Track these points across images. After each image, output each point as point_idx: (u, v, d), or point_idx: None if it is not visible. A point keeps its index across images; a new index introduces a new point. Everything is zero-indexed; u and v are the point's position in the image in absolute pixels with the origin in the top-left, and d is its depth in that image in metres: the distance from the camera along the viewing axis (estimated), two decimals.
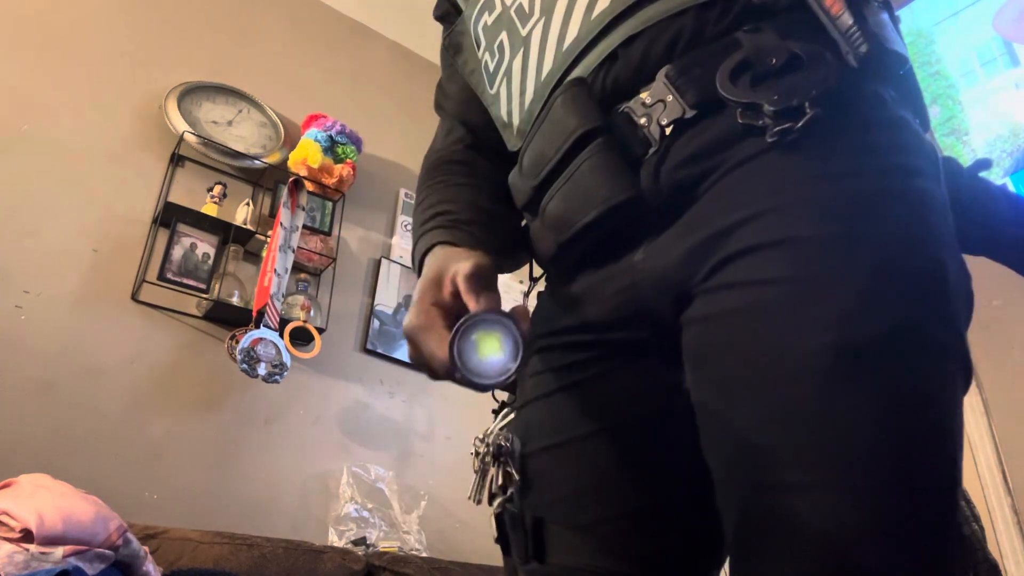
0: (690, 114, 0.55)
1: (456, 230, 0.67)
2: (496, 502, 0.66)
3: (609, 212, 0.57)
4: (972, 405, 2.11)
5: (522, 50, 0.68)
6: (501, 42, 0.71)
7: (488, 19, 0.73)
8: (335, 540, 1.97)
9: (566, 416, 0.64)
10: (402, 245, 2.64)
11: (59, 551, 1.15)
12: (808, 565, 0.45)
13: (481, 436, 0.69)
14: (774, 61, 0.52)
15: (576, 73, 0.62)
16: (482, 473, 0.67)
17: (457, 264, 0.57)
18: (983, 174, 0.63)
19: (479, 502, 0.68)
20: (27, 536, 1.15)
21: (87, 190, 2.06)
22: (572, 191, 0.59)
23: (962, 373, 0.51)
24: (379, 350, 2.40)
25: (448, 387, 2.76)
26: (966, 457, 2.21)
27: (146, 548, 1.35)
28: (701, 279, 0.53)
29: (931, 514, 0.46)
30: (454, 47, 0.84)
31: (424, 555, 2.00)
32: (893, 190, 0.50)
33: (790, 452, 0.47)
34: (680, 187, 0.56)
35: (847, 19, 0.53)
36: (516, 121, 0.70)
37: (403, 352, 2.44)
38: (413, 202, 2.97)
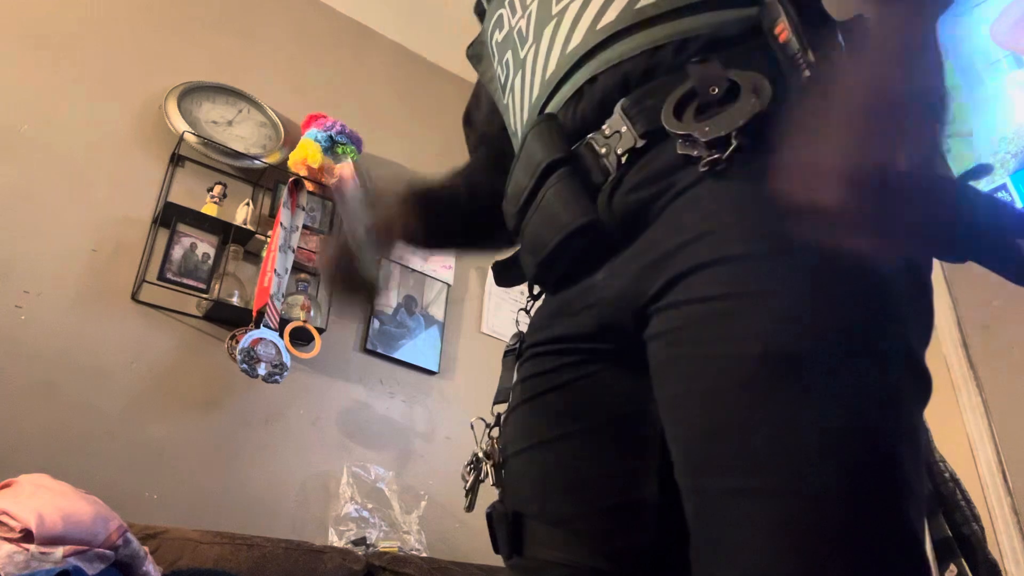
0: (640, 143, 0.60)
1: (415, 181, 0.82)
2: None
3: (569, 236, 0.62)
4: (972, 405, 2.11)
5: (520, 71, 0.73)
6: (507, 59, 0.77)
7: (499, 36, 0.78)
8: (335, 540, 1.97)
9: (547, 418, 0.68)
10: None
11: (59, 551, 1.15)
12: (743, 570, 0.47)
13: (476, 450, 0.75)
14: (715, 91, 0.56)
15: (554, 101, 0.68)
16: (473, 480, 0.73)
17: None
18: (983, 179, 0.62)
19: (471, 509, 0.72)
20: (27, 536, 1.15)
21: (87, 190, 2.06)
22: (541, 217, 0.65)
23: (912, 380, 0.52)
24: (379, 350, 2.40)
25: (448, 387, 2.77)
26: (966, 457, 2.22)
27: (146, 548, 1.35)
28: (652, 299, 0.57)
29: (865, 512, 0.46)
30: (475, 57, 0.89)
31: (424, 555, 2.00)
32: None
33: (728, 459, 0.48)
34: (632, 212, 0.60)
35: (794, 45, 0.55)
36: (519, 136, 0.75)
37: (403, 352, 2.44)
38: None
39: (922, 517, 0.48)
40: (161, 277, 2.06)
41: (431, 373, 2.49)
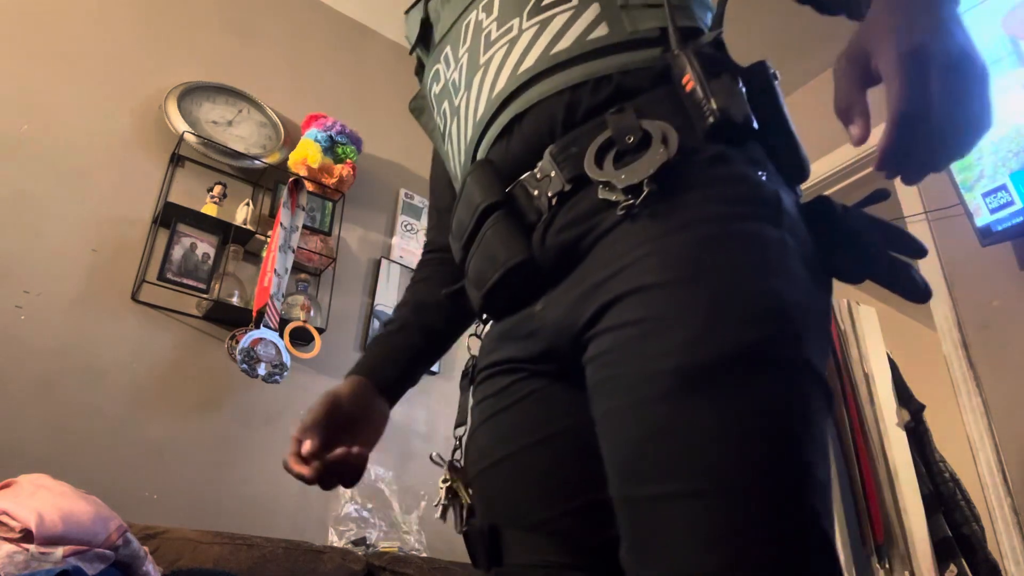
0: (567, 187, 0.67)
1: (358, 370, 0.87)
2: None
3: (507, 272, 0.69)
4: (972, 405, 2.10)
5: (456, 118, 0.81)
6: (444, 109, 0.84)
7: (437, 88, 0.86)
8: (335, 540, 1.97)
9: (508, 432, 0.73)
10: (402, 245, 2.64)
11: (59, 551, 1.15)
12: (667, 569, 0.51)
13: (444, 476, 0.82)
14: (631, 140, 0.63)
15: (485, 141, 0.75)
16: (451, 498, 0.80)
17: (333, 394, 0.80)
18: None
19: (464, 531, 0.78)
20: (27, 536, 1.15)
21: (87, 190, 2.06)
22: (482, 255, 0.72)
23: (814, 388, 0.56)
24: None
25: (448, 387, 2.76)
26: (966, 457, 2.21)
27: (146, 548, 1.35)
28: (585, 326, 0.63)
29: (771, 514, 0.50)
30: (417, 110, 0.96)
31: (424, 555, 2.00)
32: (727, 234, 0.59)
33: (651, 468, 0.54)
34: (563, 249, 0.67)
35: (698, 94, 0.62)
36: (459, 178, 0.82)
37: None
38: (413, 203, 2.97)
39: (829, 511, 0.53)
40: (161, 277, 2.06)
41: (431, 373, 2.49)
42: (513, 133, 0.72)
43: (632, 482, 0.55)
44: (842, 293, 4.08)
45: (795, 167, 0.69)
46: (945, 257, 2.29)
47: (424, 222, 2.75)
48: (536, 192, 0.69)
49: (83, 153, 2.09)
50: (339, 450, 0.72)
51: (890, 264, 0.62)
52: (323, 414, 0.79)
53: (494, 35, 0.76)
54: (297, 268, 2.29)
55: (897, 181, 2.62)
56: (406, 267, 2.59)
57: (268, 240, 2.15)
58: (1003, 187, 1.95)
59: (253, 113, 2.44)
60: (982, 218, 1.99)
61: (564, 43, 0.71)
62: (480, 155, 0.77)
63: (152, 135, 2.23)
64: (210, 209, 2.17)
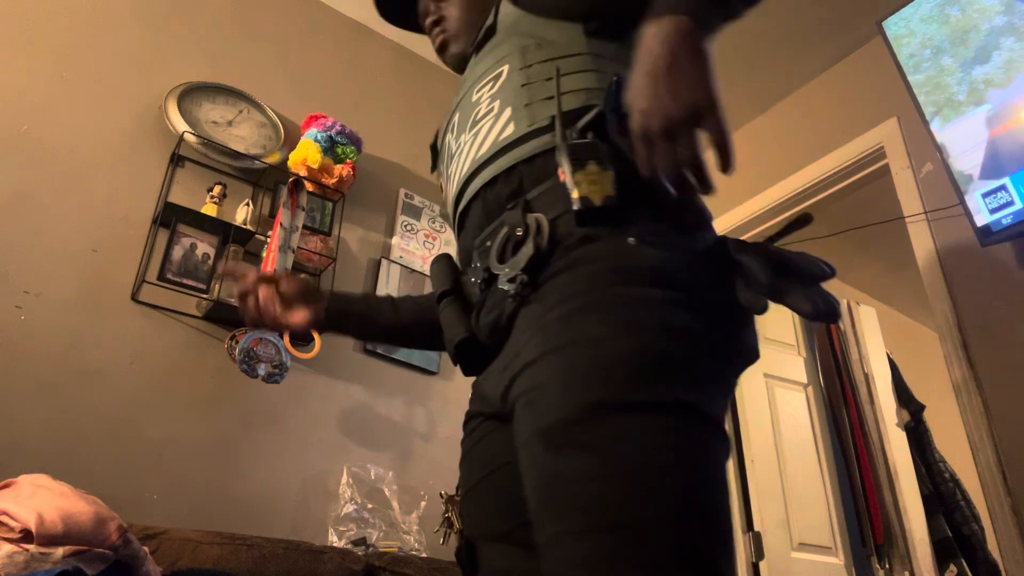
0: (485, 276, 0.81)
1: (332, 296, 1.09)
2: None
3: (456, 348, 0.83)
4: (972, 405, 2.10)
5: (448, 182, 0.97)
6: (445, 170, 1.01)
7: (445, 153, 1.02)
8: (335, 540, 1.97)
9: (475, 466, 0.88)
10: (402, 245, 2.64)
11: (59, 551, 1.15)
12: None
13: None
14: (520, 233, 0.76)
15: (459, 209, 0.90)
16: (448, 526, 0.99)
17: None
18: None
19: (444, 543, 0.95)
20: (27, 536, 1.15)
21: (87, 190, 2.06)
22: (444, 328, 0.87)
23: (685, 423, 0.63)
24: (379, 350, 2.40)
25: (448, 387, 2.76)
26: (966, 457, 2.21)
27: (146, 548, 1.35)
28: (503, 395, 0.76)
29: (635, 545, 0.57)
30: (434, 163, 1.12)
31: (424, 555, 2.00)
32: (586, 306, 0.68)
33: (544, 511, 0.63)
34: (491, 327, 0.79)
35: (570, 184, 0.72)
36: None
37: (403, 353, 2.44)
38: (413, 203, 2.96)
39: (710, 534, 0.59)
40: (161, 277, 2.06)
41: (431, 374, 2.49)
42: (464, 226, 0.90)
43: (537, 527, 0.64)
44: (843, 293, 4.09)
45: (692, 216, 0.78)
46: (945, 257, 2.29)
47: (424, 222, 2.75)
48: (474, 280, 0.83)
49: (83, 153, 2.09)
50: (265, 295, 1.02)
51: (773, 289, 0.69)
52: (292, 279, 1.06)
53: (453, 150, 0.94)
54: (297, 268, 2.29)
55: (896, 181, 2.60)
56: (406, 267, 2.59)
57: (268, 240, 2.15)
58: (1003, 187, 1.96)
59: (253, 113, 2.44)
60: (982, 218, 1.99)
61: (484, 147, 0.85)
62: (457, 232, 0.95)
63: (152, 135, 2.23)
64: (210, 209, 2.17)
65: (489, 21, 0.97)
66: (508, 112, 0.84)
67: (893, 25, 2.29)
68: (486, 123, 0.87)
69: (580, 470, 0.61)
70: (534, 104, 0.83)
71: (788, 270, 0.69)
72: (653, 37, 0.68)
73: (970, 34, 2.10)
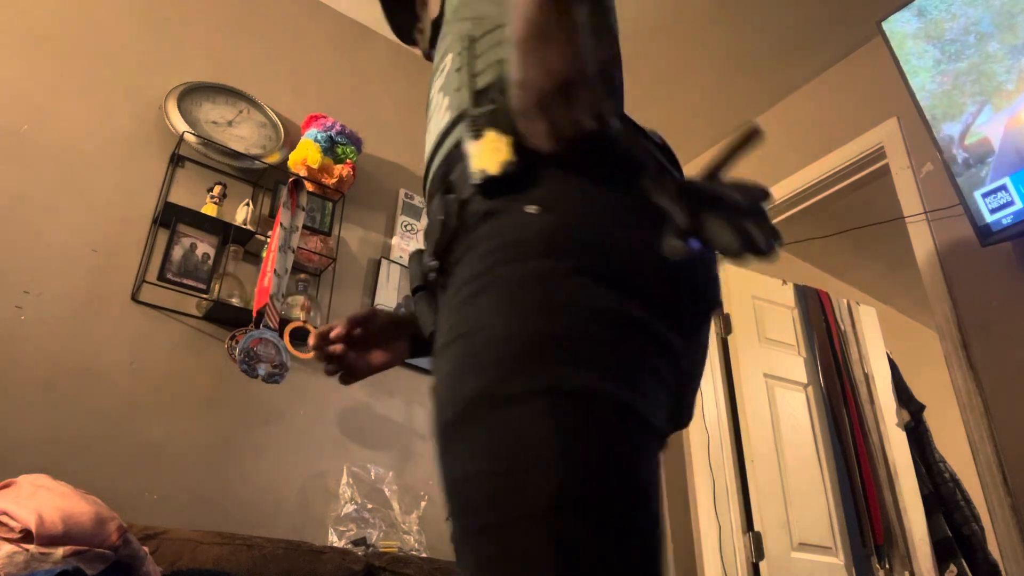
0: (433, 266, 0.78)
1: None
2: None
3: (429, 342, 0.79)
4: (972, 405, 2.10)
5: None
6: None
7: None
8: (335, 540, 1.97)
9: None
10: (402, 245, 2.64)
11: (59, 551, 1.15)
12: None
13: None
14: (440, 219, 0.73)
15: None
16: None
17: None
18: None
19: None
20: (27, 536, 1.15)
21: (87, 190, 2.06)
22: (419, 322, 0.85)
23: (576, 407, 0.57)
24: None
25: None
26: (966, 457, 2.21)
27: (146, 548, 1.35)
28: None
29: (517, 540, 0.53)
30: None
31: (424, 555, 2.00)
32: (479, 290, 0.64)
33: (451, 510, 0.61)
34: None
35: (468, 157, 0.69)
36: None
37: None
38: (413, 203, 2.96)
39: (598, 527, 0.53)
40: (161, 277, 2.06)
41: (431, 373, 2.49)
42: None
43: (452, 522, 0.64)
44: (843, 293, 4.09)
45: (616, 162, 0.69)
46: (945, 257, 2.29)
47: (424, 222, 2.75)
48: (432, 276, 0.84)
49: (83, 153, 2.09)
50: (342, 347, 0.92)
51: (693, 229, 0.62)
52: (361, 316, 0.95)
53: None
54: (297, 268, 2.29)
55: (896, 181, 2.60)
56: (406, 267, 2.59)
57: (268, 240, 2.15)
58: (1003, 187, 1.96)
59: (253, 113, 2.45)
60: (982, 218, 1.99)
61: (431, 143, 0.84)
62: None
63: (152, 135, 2.23)
64: (210, 209, 2.17)
65: (435, 13, 0.94)
66: (447, 102, 0.82)
67: (893, 25, 2.29)
68: (435, 117, 0.85)
69: (462, 470, 0.59)
70: (463, 88, 0.80)
71: (713, 203, 0.61)
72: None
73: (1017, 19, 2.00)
